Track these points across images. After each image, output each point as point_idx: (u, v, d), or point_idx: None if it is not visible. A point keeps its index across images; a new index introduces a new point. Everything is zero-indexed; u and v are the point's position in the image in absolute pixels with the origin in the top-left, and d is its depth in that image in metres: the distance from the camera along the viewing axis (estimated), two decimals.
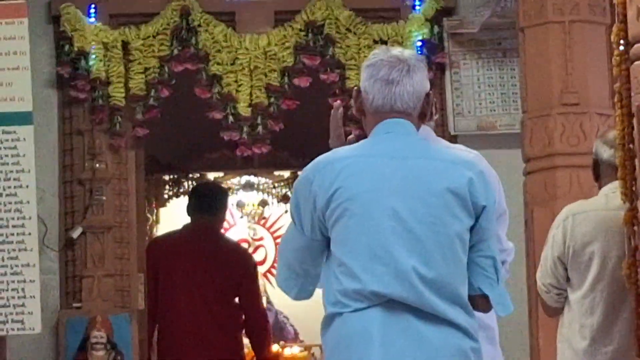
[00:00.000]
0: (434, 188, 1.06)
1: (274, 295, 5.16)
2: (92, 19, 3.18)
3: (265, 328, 3.47)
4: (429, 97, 1.16)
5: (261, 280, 5.39)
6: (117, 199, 3.17)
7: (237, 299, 3.33)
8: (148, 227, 4.33)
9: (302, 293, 1.19)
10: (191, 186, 4.78)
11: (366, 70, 1.15)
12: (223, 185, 5.43)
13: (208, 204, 3.39)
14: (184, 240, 3.37)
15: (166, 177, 4.91)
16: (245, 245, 5.70)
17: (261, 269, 5.70)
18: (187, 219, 3.46)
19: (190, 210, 3.47)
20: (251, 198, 5.69)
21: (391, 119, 1.12)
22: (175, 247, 3.34)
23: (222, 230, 3.91)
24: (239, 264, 3.40)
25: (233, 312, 3.33)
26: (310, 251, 1.13)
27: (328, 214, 1.07)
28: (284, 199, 5.42)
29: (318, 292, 1.16)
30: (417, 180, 1.08)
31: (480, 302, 1.10)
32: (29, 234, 2.65)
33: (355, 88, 1.17)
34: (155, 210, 4.85)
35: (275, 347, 4.49)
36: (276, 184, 5.60)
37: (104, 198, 3.11)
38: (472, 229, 1.08)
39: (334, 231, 1.08)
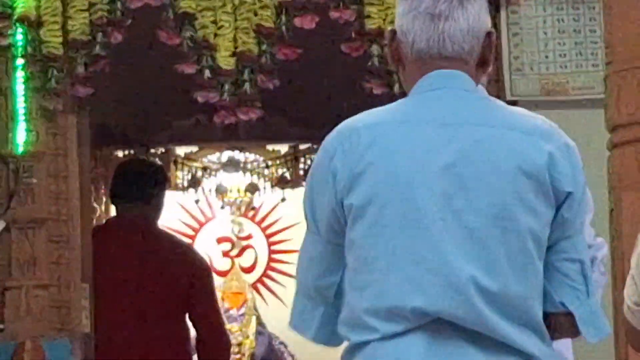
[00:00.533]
0: (501, 167, 0.96)
1: (267, 314, 5.03)
2: None
3: (225, 349, 3.33)
4: (490, 37, 1.06)
5: (249, 294, 5.28)
6: (53, 183, 2.99)
7: (186, 316, 3.16)
8: (95, 221, 4.02)
9: (323, 330, 1.05)
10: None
11: (402, 3, 1.05)
12: (197, 163, 5.08)
13: (139, 189, 3.20)
14: (107, 239, 3.18)
15: (120, 153, 4.64)
16: (227, 246, 5.38)
17: (249, 278, 5.58)
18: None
19: (115, 197, 3.31)
20: (235, 181, 5.29)
21: (440, 70, 1.01)
22: (98, 248, 3.13)
23: (163, 225, 3.59)
24: (185, 269, 3.18)
25: (181, 333, 3.19)
26: (329, 261, 1.03)
27: (351, 201, 0.96)
28: (280, 182, 4.99)
29: None
30: (478, 156, 0.96)
31: (562, 322, 1.00)
32: None
33: (390, 29, 1.09)
34: (104, 199, 4.51)
35: None
36: (269, 163, 5.14)
37: (35, 181, 2.92)
38: (552, 223, 0.98)
39: (359, 225, 0.96)
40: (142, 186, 3.25)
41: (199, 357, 3.29)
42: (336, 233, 1.00)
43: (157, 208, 3.32)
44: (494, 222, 0.94)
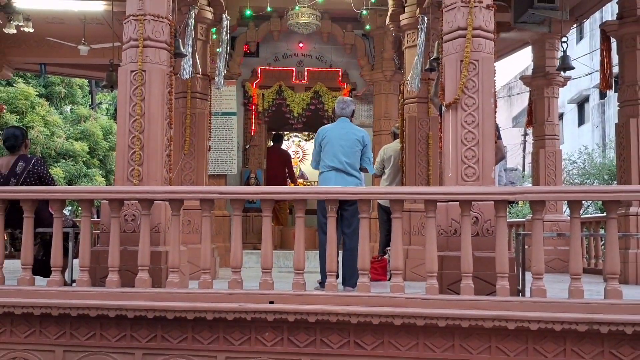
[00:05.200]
0: (351, 137, 5.48)
1: None
2: None
3: None
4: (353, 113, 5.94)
5: None
6: None
7: None
8: None
9: (317, 166, 5.61)
10: None
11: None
12: None
13: None
14: None
15: None
16: None
17: None
18: None
19: None
20: None
21: (342, 117, 5.72)
22: None
23: None
24: None
25: None
26: (318, 153, 5.62)
27: (321, 143, 5.56)
28: None
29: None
30: (348, 135, 5.49)
31: (362, 168, 5.54)
32: None
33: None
34: None
35: None
36: None
37: None
38: (362, 149, 5.49)
39: (324, 146, 5.52)
40: None
41: None
42: (320, 148, 5.52)
43: None
44: (350, 148, 5.44)
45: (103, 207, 4.64)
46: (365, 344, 3.99)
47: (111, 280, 4.24)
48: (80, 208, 4.58)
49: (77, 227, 4.77)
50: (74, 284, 4.51)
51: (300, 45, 10.33)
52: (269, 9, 8.88)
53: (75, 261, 4.55)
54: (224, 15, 6.99)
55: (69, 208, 16.61)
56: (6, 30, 7.53)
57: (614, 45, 6.97)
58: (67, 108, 18.80)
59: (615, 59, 7.00)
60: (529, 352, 3.86)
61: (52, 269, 4.35)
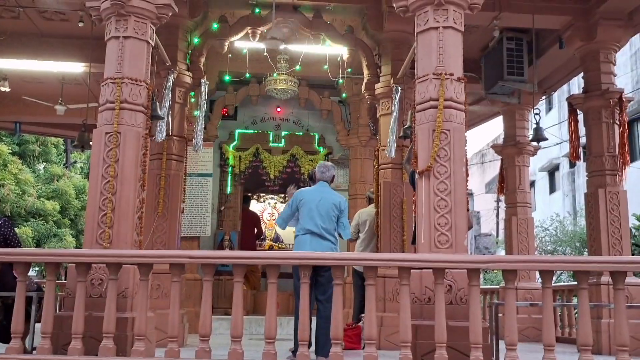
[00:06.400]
0: (329, 202, 5.43)
1: None
2: None
3: None
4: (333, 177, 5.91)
5: None
6: None
7: None
8: None
9: (286, 226, 5.67)
10: None
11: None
12: None
13: None
14: None
15: None
16: None
17: None
18: None
19: None
20: None
21: (321, 181, 5.65)
22: None
23: None
24: None
25: None
26: (291, 216, 5.56)
27: (299, 206, 5.45)
28: None
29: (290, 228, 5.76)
30: (325, 199, 5.44)
31: (339, 234, 5.49)
32: None
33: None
34: None
35: None
36: None
37: None
38: (338, 215, 5.44)
39: (301, 210, 5.45)
40: None
41: None
42: (296, 210, 5.48)
43: None
44: (327, 213, 5.39)
45: (69, 271, 4.46)
46: None
47: (74, 348, 4.03)
48: (45, 271, 4.39)
49: (42, 291, 4.57)
50: (34, 352, 4.27)
51: (278, 109, 10.46)
52: (247, 75, 8.99)
53: (38, 325, 4.32)
54: (202, 80, 7.05)
55: (36, 269, 16.09)
56: None
57: (581, 117, 7.16)
58: (41, 166, 18.54)
59: (582, 130, 7.18)
60: None
61: (11, 335, 4.12)
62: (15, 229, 5.04)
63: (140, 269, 4.15)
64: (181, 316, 5.43)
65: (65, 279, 5.36)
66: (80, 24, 7.13)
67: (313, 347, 4.74)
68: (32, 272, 4.15)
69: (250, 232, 10.19)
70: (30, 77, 8.72)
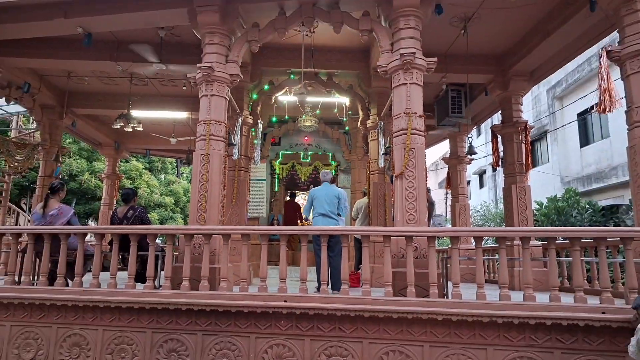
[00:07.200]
0: (332, 194, 5.16)
1: None
2: None
3: None
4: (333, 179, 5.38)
5: None
6: None
7: None
8: None
9: (309, 214, 5.29)
10: None
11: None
12: None
13: None
14: None
15: None
16: None
17: None
18: None
19: None
20: None
21: (325, 182, 5.31)
22: None
23: None
24: None
25: None
26: (311, 205, 5.24)
27: (313, 200, 5.14)
28: None
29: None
30: (330, 193, 5.17)
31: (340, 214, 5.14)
32: None
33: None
34: None
35: None
36: None
37: None
38: (338, 201, 5.15)
39: (314, 203, 5.16)
40: None
41: None
42: (311, 202, 5.17)
43: None
44: (331, 201, 5.12)
45: (180, 239, 4.62)
46: (345, 329, 3.89)
47: (184, 286, 4.18)
48: (166, 239, 4.56)
49: (164, 251, 4.75)
50: (160, 288, 4.44)
51: (306, 138, 10.57)
52: (287, 117, 9.13)
53: (162, 273, 4.50)
54: (259, 121, 7.21)
55: (161, 238, 16.45)
56: (126, 129, 7.80)
57: (500, 139, 7.14)
58: (162, 176, 18.96)
59: (501, 147, 7.16)
60: (451, 335, 3.76)
61: (147, 278, 4.30)
62: (148, 214, 5.25)
63: (223, 237, 4.29)
64: (248, 267, 5.56)
65: (178, 244, 5.55)
66: (184, 88, 7.42)
67: (330, 286, 4.82)
68: (158, 240, 4.32)
69: (293, 215, 10.27)
70: (155, 120, 9.02)
